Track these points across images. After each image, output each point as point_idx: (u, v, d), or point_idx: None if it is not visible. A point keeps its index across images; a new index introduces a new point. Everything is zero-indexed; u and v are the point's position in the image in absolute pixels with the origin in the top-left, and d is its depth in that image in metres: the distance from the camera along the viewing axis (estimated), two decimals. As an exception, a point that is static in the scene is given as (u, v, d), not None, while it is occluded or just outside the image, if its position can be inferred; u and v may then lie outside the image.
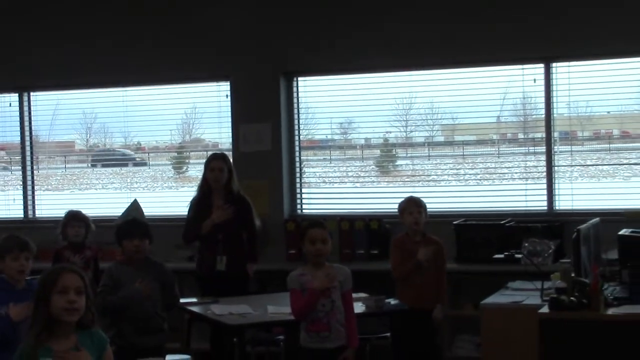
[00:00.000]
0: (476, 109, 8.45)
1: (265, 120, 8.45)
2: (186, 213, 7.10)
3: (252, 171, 8.14)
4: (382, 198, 8.01)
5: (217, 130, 9.05)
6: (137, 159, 10.19)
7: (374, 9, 8.17)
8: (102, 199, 9.55)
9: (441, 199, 8.16)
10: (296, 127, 8.65)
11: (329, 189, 8.89)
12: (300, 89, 8.67)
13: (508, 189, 8.17)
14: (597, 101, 8.08)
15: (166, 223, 8.05)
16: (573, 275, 5.25)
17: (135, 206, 8.21)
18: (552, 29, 7.66)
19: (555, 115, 7.96)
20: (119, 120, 9.46)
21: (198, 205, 6.94)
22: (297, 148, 8.63)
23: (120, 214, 8.06)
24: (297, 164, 8.63)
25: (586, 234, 5.55)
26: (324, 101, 8.72)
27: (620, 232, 5.85)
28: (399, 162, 9.16)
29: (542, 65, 7.90)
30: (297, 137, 8.66)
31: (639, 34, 7.41)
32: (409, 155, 9.13)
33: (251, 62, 8.45)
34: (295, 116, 8.63)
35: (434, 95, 8.50)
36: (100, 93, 9.40)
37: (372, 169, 9.11)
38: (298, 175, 8.63)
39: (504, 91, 8.22)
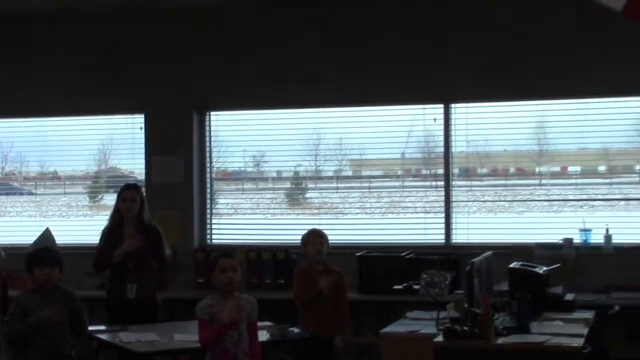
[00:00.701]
0: (382, 145, 8.61)
1: (178, 152, 8.52)
2: (98, 241, 7.01)
3: (164, 201, 8.18)
4: (291, 229, 8.05)
5: (132, 160, 9.00)
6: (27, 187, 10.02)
7: (285, 49, 8.28)
8: (15, 226, 9.34)
9: (347, 230, 8.27)
10: (208, 159, 8.69)
11: (240, 219, 8.89)
12: (213, 122, 8.74)
13: (410, 222, 8.31)
14: (495, 140, 8.29)
15: (78, 251, 7.95)
16: (466, 305, 5.35)
17: (47, 234, 8.12)
18: (451, 73, 7.89)
19: (454, 152, 8.18)
20: (36, 149, 9.30)
21: (110, 234, 6.89)
22: (208, 180, 8.66)
23: (32, 242, 7.90)
24: (208, 195, 8.62)
25: (479, 266, 5.69)
26: (237, 134, 8.80)
27: (510, 265, 6.00)
28: (308, 194, 9.21)
29: (441, 105, 8.13)
30: (208, 170, 8.72)
31: (530, 80, 7.73)
32: (318, 187, 9.18)
33: (165, 96, 8.51)
34: (207, 149, 8.68)
35: (342, 131, 8.64)
36: (18, 122, 9.24)
37: (282, 200, 9.14)
38: (208, 206, 8.62)
39: (408, 129, 8.37)
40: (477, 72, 7.77)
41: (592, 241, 7.61)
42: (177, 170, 8.42)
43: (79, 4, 8.31)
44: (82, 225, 9.18)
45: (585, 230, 7.62)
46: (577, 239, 7.61)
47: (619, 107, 7.88)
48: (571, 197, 8.37)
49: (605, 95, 7.74)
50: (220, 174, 9.02)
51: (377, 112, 8.42)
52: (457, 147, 8.21)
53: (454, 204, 8.12)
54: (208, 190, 8.68)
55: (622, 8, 1.60)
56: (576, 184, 8.57)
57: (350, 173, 9.29)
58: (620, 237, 7.56)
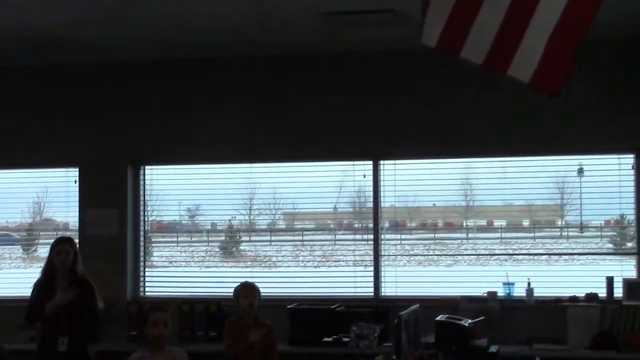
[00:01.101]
0: (315, 199, 8.72)
1: (112, 205, 8.51)
2: (31, 293, 6.93)
3: (98, 254, 8.15)
4: (225, 281, 8.05)
5: (66, 213, 8.95)
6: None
7: (220, 105, 8.38)
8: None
9: (280, 283, 8.32)
10: (142, 212, 8.70)
11: (174, 272, 8.87)
12: (148, 175, 8.77)
13: (341, 274, 8.38)
14: (424, 195, 8.44)
15: (10, 304, 7.83)
16: (394, 358, 5.41)
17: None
18: (380, 131, 8.12)
19: (384, 206, 8.34)
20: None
21: (42, 286, 6.82)
22: (142, 233, 8.65)
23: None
24: (142, 248, 8.60)
25: (407, 319, 5.76)
26: (172, 187, 8.81)
27: (437, 318, 6.09)
28: (242, 246, 9.24)
29: (370, 162, 8.30)
30: (142, 223, 8.72)
31: (455, 140, 7.97)
32: (252, 240, 9.21)
33: (100, 150, 8.55)
34: (142, 202, 8.68)
35: (276, 184, 8.73)
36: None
37: (216, 252, 9.16)
38: (142, 258, 8.59)
39: (339, 183, 8.48)
40: (405, 132, 8.00)
41: (515, 294, 7.78)
42: (111, 223, 8.42)
43: (15, 61, 8.30)
44: (15, 277, 9.03)
45: (509, 284, 7.79)
46: (501, 292, 7.74)
47: (540, 165, 8.10)
48: (497, 251, 8.53)
49: (524, 154, 8.03)
50: (155, 226, 8.99)
51: (310, 167, 8.52)
52: (386, 202, 8.37)
53: (383, 257, 8.23)
54: (142, 243, 8.66)
55: (529, 81, 1.66)
56: (501, 238, 8.76)
57: (283, 226, 9.31)
58: (541, 291, 7.73)
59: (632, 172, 7.84)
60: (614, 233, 8.45)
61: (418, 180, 8.24)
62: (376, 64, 8.02)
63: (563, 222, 8.75)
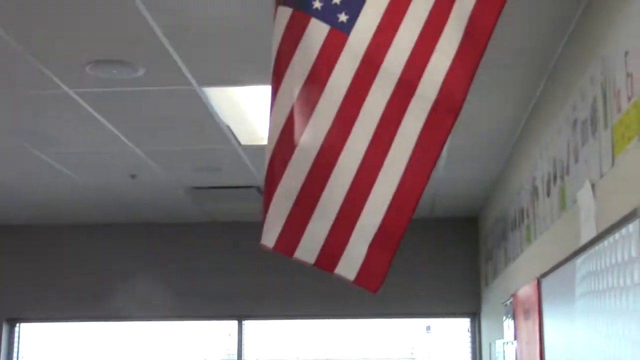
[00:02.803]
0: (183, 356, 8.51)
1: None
2: None
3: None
4: None
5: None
6: None
7: (95, 265, 8.19)
8: None
9: None
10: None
11: None
12: (23, 333, 8.46)
13: None
14: (287, 352, 8.38)
15: None
16: None
17: None
18: (244, 293, 8.15)
19: (247, 364, 8.23)
20: None
21: None
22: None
23: None
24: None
25: None
26: (47, 346, 8.51)
27: None
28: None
29: (236, 321, 8.28)
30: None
31: (307, 299, 8.04)
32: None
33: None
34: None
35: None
36: None
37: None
38: None
39: (207, 342, 8.35)
40: (267, 294, 8.08)
41: None
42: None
43: None
44: None
45: None
46: None
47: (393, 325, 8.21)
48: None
49: (378, 316, 8.17)
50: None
51: (182, 326, 8.42)
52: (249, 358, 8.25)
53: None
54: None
55: (354, 279, 1.75)
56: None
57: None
58: None
59: (468, 333, 8.07)
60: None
61: (282, 337, 8.23)
62: (240, 231, 8.09)
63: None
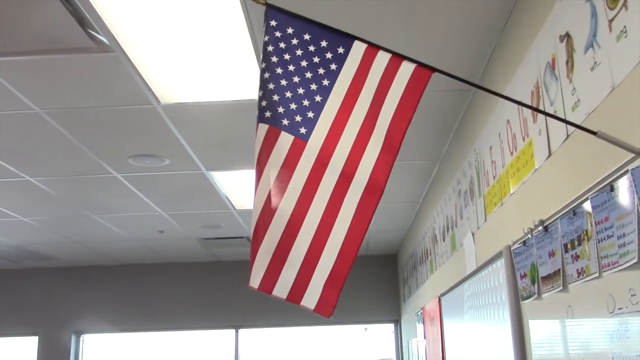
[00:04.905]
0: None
1: None
2: None
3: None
4: None
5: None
6: None
7: (133, 293, 7.93)
8: None
9: None
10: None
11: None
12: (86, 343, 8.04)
13: None
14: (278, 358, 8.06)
15: None
16: None
17: None
18: (240, 308, 7.88)
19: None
20: None
21: None
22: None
23: None
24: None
25: None
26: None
27: None
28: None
29: (233, 330, 7.95)
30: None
31: (304, 312, 7.84)
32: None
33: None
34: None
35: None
36: None
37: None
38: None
39: (208, 349, 8.00)
40: (263, 304, 7.74)
41: None
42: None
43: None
44: None
45: None
46: None
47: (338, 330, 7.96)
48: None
49: (332, 323, 7.92)
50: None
51: (186, 336, 8.01)
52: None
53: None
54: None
55: (314, 308, 1.72)
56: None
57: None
58: None
59: (393, 334, 7.95)
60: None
61: (275, 346, 7.89)
62: (236, 266, 7.97)
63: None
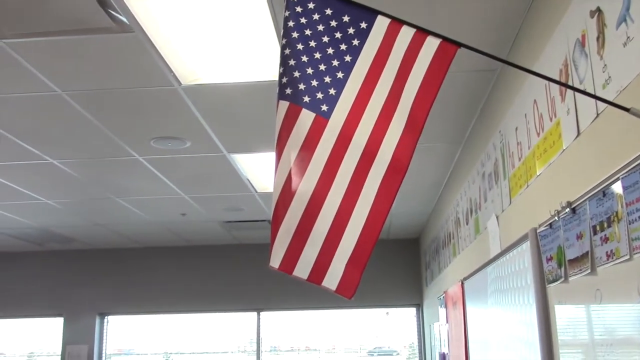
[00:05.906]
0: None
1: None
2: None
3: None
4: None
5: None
6: None
7: (163, 274, 8.04)
8: None
9: None
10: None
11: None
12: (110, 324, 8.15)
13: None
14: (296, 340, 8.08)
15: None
16: None
17: None
18: (260, 292, 7.93)
19: (262, 350, 7.92)
20: None
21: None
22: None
23: None
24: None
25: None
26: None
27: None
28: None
29: (255, 313, 8.00)
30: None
31: (319, 294, 7.81)
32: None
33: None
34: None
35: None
36: None
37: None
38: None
39: (230, 332, 8.05)
40: (284, 286, 7.77)
41: None
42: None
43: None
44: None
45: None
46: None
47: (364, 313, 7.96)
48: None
49: (354, 307, 7.92)
50: None
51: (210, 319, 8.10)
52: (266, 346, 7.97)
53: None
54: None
55: (335, 289, 1.71)
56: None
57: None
58: None
59: (415, 318, 7.97)
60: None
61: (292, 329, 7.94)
62: (257, 250, 8.01)
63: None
